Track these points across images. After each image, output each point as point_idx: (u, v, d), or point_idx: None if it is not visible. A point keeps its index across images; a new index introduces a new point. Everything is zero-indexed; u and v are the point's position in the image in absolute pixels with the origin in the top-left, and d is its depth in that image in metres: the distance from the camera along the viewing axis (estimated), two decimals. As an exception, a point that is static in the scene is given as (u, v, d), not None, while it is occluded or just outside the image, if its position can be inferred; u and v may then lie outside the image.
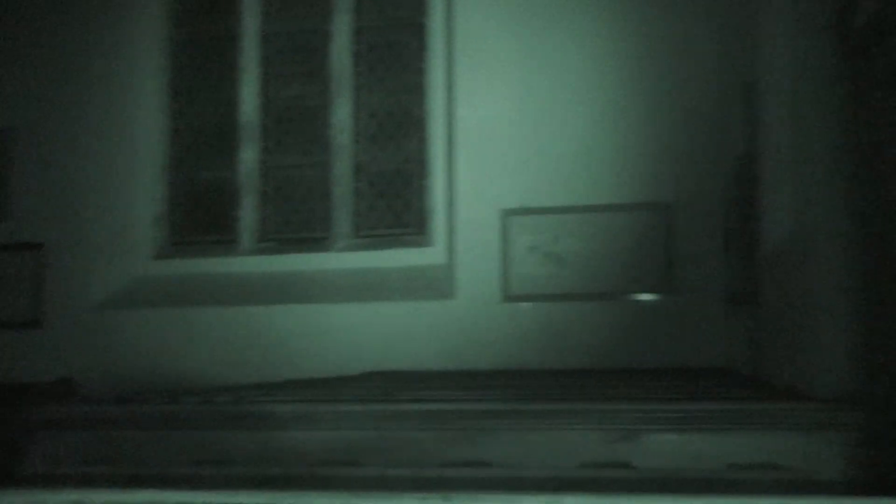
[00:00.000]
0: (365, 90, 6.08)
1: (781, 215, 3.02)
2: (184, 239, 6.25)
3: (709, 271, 5.12)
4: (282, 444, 2.70)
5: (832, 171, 2.31)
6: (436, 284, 5.63)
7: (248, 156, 6.16)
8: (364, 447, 2.64)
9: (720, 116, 5.14)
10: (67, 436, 2.75)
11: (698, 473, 2.41)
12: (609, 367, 5.09)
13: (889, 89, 1.81)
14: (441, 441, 2.59)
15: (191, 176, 6.29)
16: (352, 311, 5.63)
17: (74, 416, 2.81)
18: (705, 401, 2.63)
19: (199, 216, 6.26)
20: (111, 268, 6.11)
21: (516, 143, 5.53)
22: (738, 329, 4.43)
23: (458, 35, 5.70)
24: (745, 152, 3.96)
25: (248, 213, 6.14)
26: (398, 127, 6.01)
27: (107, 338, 5.86)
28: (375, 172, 6.01)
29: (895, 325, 1.97)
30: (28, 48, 6.18)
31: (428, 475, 2.58)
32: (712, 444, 2.44)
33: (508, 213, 5.48)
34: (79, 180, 6.08)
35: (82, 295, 6.00)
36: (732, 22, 4.54)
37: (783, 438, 2.40)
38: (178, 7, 6.40)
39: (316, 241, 6.03)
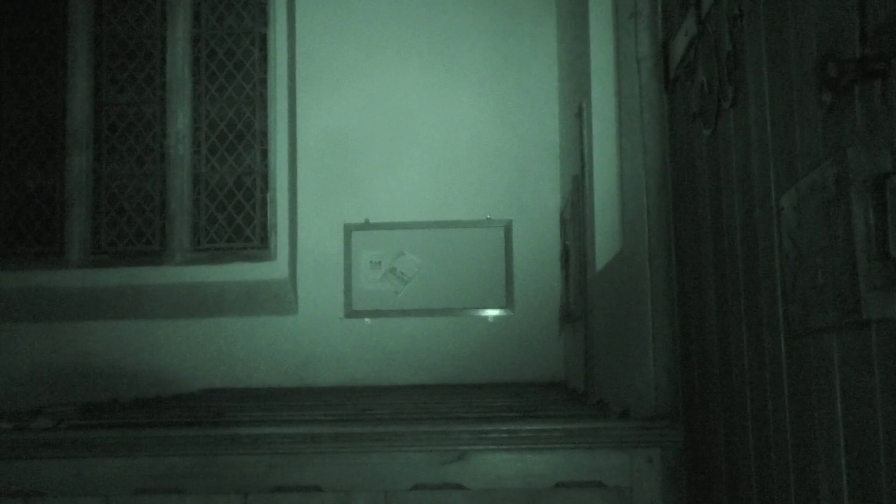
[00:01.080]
0: (205, 100, 5.89)
1: (608, 236, 3.12)
2: (5, 250, 5.86)
3: (547, 288, 5.24)
4: (100, 473, 2.56)
5: (652, 197, 2.40)
6: (277, 300, 5.52)
7: (78, 163, 5.85)
8: (188, 474, 2.54)
9: (562, 139, 5.29)
10: None
11: (527, 494, 2.45)
12: (449, 383, 5.14)
13: (694, 122, 1.90)
14: (270, 465, 2.53)
15: (14, 183, 5.92)
16: (189, 327, 5.46)
17: None
18: (535, 420, 2.68)
19: (24, 226, 5.90)
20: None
21: (360, 158, 5.51)
22: (572, 345, 4.54)
23: (301, 46, 5.63)
24: (579, 173, 4.07)
25: (77, 224, 5.82)
26: (239, 138, 5.86)
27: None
28: (216, 184, 5.83)
29: (705, 346, 2.05)
30: None
31: (256, 502, 2.51)
32: (540, 463, 2.49)
33: (351, 229, 5.45)
34: None
35: None
36: (573, 47, 4.67)
37: (607, 456, 2.47)
38: None
39: (152, 254, 5.79)
